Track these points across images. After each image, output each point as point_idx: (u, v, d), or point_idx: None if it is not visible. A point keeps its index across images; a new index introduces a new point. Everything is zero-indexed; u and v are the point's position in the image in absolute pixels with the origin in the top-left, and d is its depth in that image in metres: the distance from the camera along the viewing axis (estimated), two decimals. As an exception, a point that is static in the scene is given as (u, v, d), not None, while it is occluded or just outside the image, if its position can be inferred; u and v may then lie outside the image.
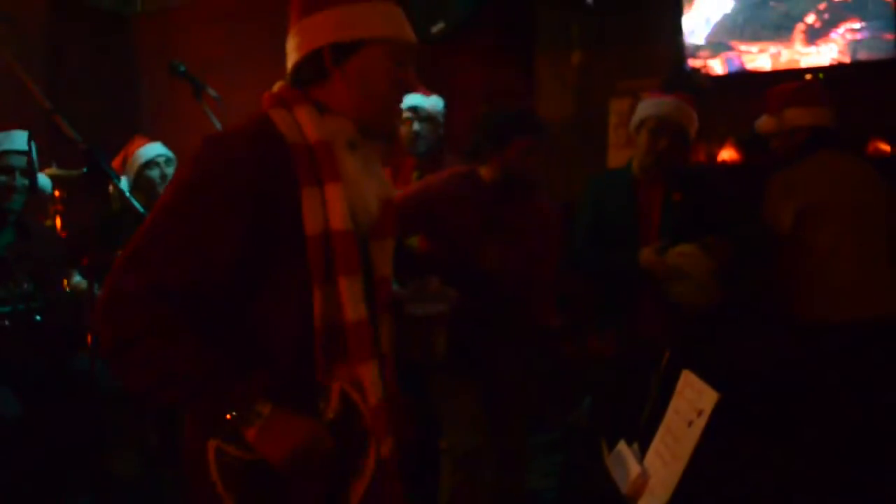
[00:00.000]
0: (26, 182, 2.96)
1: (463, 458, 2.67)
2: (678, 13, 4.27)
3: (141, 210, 2.30)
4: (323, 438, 1.41)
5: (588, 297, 3.21)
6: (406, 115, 3.47)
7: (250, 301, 1.45)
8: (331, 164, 1.47)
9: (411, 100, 3.43)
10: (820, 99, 3.10)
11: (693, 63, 4.27)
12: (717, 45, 4.24)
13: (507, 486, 2.81)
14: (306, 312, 1.44)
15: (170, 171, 3.49)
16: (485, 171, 2.76)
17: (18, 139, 2.90)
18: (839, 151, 3.06)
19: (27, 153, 2.83)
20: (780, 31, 4.11)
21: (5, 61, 2.09)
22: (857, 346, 2.78)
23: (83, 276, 3.25)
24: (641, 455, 1.62)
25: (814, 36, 4.05)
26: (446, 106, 3.67)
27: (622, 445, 1.72)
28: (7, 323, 2.68)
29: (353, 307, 1.46)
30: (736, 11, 4.20)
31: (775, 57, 4.13)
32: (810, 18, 4.06)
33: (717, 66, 4.25)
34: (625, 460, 1.65)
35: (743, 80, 4.18)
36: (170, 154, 3.54)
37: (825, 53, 4.02)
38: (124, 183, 3.43)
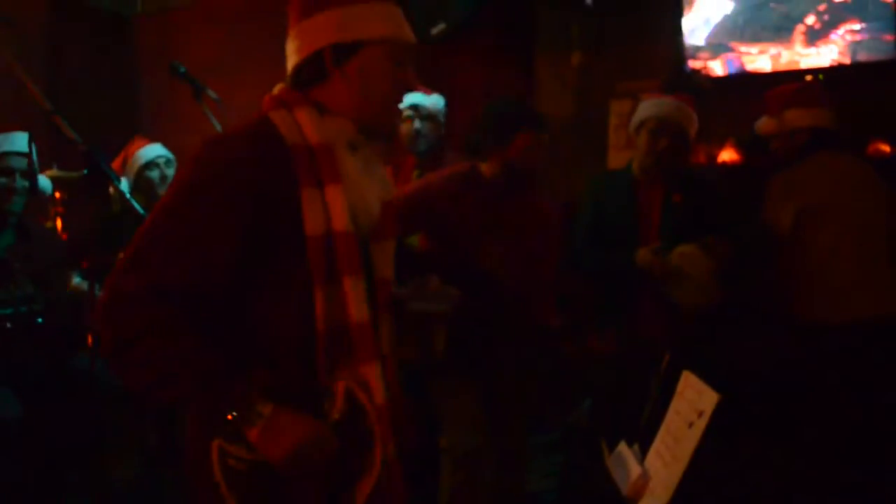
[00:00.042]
0: (27, 184, 2.96)
1: (463, 458, 2.67)
2: (678, 14, 4.27)
3: (141, 211, 2.30)
4: (325, 438, 1.41)
5: (588, 296, 3.21)
6: (407, 113, 3.47)
7: (250, 301, 1.45)
8: (331, 165, 1.47)
9: (412, 98, 3.43)
10: (820, 100, 3.10)
11: (693, 64, 4.27)
12: (717, 46, 4.25)
13: (507, 487, 2.81)
14: (307, 313, 1.44)
15: (170, 172, 3.49)
16: (486, 167, 2.76)
17: (19, 141, 2.90)
18: (839, 152, 3.06)
19: (27, 155, 2.83)
20: (780, 32, 4.12)
21: (5, 62, 2.08)
22: (857, 347, 2.78)
23: (83, 277, 3.25)
24: (642, 456, 1.62)
25: (814, 37, 4.05)
26: (447, 106, 3.67)
27: (623, 446, 1.72)
28: (8, 325, 2.68)
29: (356, 308, 1.47)
30: (736, 13, 4.21)
31: (775, 58, 4.13)
32: (810, 20, 4.06)
33: (717, 68, 4.25)
34: (625, 461, 1.65)
35: (743, 81, 4.19)
36: (170, 155, 3.55)
37: (825, 55, 4.02)
38: (124, 184, 3.44)
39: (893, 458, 2.67)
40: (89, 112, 4.47)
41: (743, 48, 4.20)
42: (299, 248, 1.44)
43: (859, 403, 2.74)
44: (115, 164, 3.51)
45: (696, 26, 4.26)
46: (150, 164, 3.47)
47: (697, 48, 4.27)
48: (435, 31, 4.59)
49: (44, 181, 3.64)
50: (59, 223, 3.67)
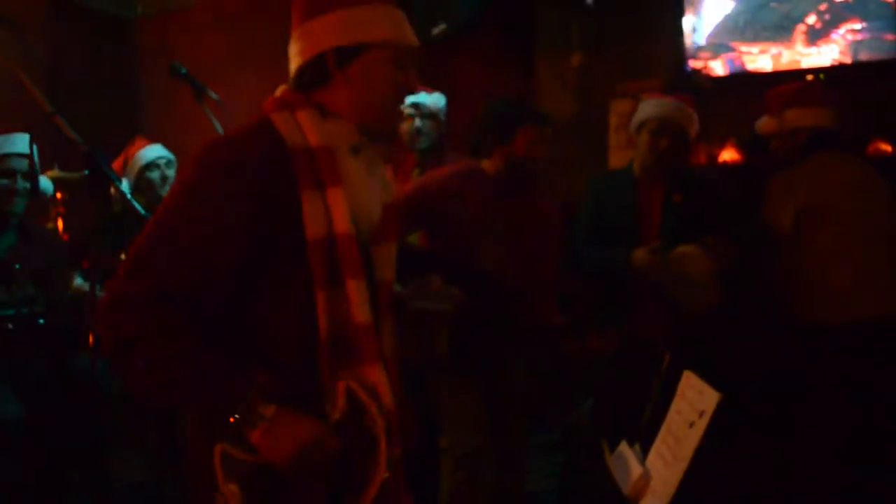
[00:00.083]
0: (28, 185, 2.96)
1: (463, 458, 2.67)
2: (679, 14, 4.27)
3: (142, 212, 2.30)
4: (327, 439, 1.41)
5: (589, 296, 3.21)
6: (408, 111, 3.47)
7: (252, 302, 1.45)
8: (332, 167, 1.48)
9: (413, 96, 3.43)
10: (821, 100, 3.10)
11: (694, 64, 4.27)
12: (717, 45, 4.25)
13: (507, 487, 2.81)
14: (308, 314, 1.44)
15: (170, 172, 3.49)
16: (488, 165, 2.76)
17: (20, 142, 2.90)
18: (840, 152, 3.06)
19: (28, 156, 2.83)
20: (780, 31, 4.12)
21: (7, 64, 2.09)
22: (858, 347, 2.78)
23: (85, 278, 3.25)
24: (643, 456, 1.62)
25: (815, 37, 4.05)
26: (447, 106, 3.67)
27: (624, 446, 1.72)
28: (10, 326, 2.68)
29: (360, 310, 1.47)
30: (737, 12, 4.21)
31: (776, 58, 4.13)
32: (811, 19, 4.06)
33: (717, 67, 4.26)
34: (626, 461, 1.65)
35: (744, 80, 4.19)
36: (170, 156, 3.54)
37: (826, 54, 4.03)
38: (125, 185, 3.44)
39: (893, 458, 2.67)
40: (90, 113, 4.48)
41: (744, 48, 4.20)
42: (300, 249, 1.44)
43: (859, 404, 2.74)
44: (116, 165, 3.51)
45: (696, 26, 4.26)
46: (151, 165, 3.47)
47: (698, 48, 4.27)
48: (436, 31, 4.59)
49: (45, 182, 3.64)
50: (60, 224, 3.67)
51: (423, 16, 4.49)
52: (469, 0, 4.64)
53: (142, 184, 3.46)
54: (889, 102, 3.81)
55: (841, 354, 2.79)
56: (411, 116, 3.48)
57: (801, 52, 4.07)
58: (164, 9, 5.71)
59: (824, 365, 2.80)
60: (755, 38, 4.18)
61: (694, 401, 1.50)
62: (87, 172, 2.01)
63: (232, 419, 1.36)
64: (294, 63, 1.57)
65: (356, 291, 1.46)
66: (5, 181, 2.91)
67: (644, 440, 1.65)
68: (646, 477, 1.55)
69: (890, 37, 3.88)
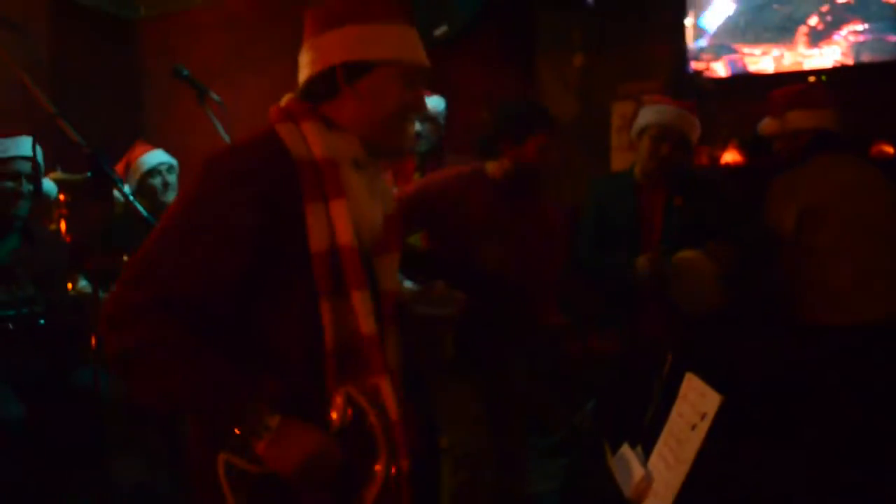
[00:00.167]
0: (31, 188, 2.97)
1: (464, 459, 2.67)
2: (680, 15, 4.27)
3: (145, 213, 2.30)
4: (332, 449, 1.41)
5: (590, 297, 3.21)
6: None
7: (255, 313, 1.46)
8: (336, 180, 1.48)
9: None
10: (823, 101, 3.10)
11: (695, 65, 4.27)
12: (719, 47, 4.25)
13: (509, 487, 2.81)
14: (312, 324, 1.45)
15: (172, 178, 3.49)
16: (494, 167, 2.75)
17: (25, 145, 2.90)
18: (842, 154, 3.06)
19: (31, 158, 2.83)
20: (782, 33, 4.12)
21: (9, 66, 2.09)
22: (859, 348, 2.78)
23: (88, 279, 3.25)
24: (645, 458, 1.62)
25: (816, 38, 4.05)
26: (449, 108, 3.68)
27: (625, 448, 1.72)
28: (10, 326, 2.69)
29: (365, 321, 1.47)
30: (738, 14, 4.21)
31: (778, 59, 4.13)
32: (813, 20, 4.06)
33: (719, 69, 4.25)
34: (628, 463, 1.65)
35: (745, 82, 4.18)
36: (172, 161, 3.54)
37: (828, 55, 4.02)
38: (127, 188, 3.44)
39: (893, 458, 2.67)
40: (92, 114, 4.49)
41: (745, 49, 4.20)
42: (304, 260, 1.45)
43: (860, 404, 2.73)
44: (118, 169, 3.52)
45: (698, 27, 4.26)
46: (153, 172, 3.47)
47: (700, 49, 4.27)
48: (437, 32, 4.60)
49: (49, 185, 3.65)
50: (62, 225, 3.68)
51: (425, 17, 4.50)
52: (470, 2, 4.65)
53: (143, 189, 3.47)
54: (891, 104, 3.80)
55: (842, 356, 2.78)
56: None
57: (802, 54, 4.07)
58: (166, 10, 5.73)
59: (825, 366, 2.80)
60: (757, 40, 4.17)
61: (696, 403, 1.50)
62: (89, 174, 2.01)
63: (237, 430, 1.36)
64: (303, 73, 1.57)
65: (361, 303, 1.47)
66: (11, 184, 2.91)
67: (646, 442, 1.65)
68: (648, 479, 1.55)
69: (892, 38, 3.88)
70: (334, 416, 1.45)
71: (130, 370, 1.37)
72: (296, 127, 1.51)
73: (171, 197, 3.46)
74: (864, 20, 3.95)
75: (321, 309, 1.45)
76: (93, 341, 2.78)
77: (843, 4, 3.99)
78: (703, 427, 1.43)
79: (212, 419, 1.40)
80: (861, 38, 3.96)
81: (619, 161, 4.32)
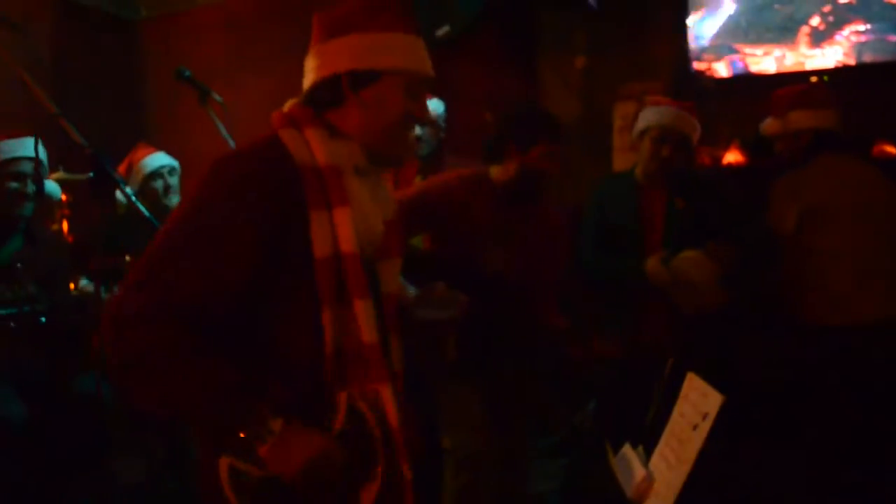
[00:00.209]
0: (34, 188, 2.97)
1: (466, 460, 2.67)
2: (682, 16, 4.27)
3: (147, 214, 2.30)
4: (334, 452, 1.41)
5: (592, 299, 3.21)
6: None
7: (260, 317, 1.46)
8: (339, 188, 1.49)
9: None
10: (825, 101, 3.10)
11: (697, 66, 4.27)
12: (721, 47, 4.24)
13: (510, 488, 2.81)
14: (315, 330, 1.45)
15: (173, 180, 3.49)
16: (498, 171, 2.75)
17: (30, 145, 2.91)
18: (844, 154, 3.06)
19: (34, 159, 2.84)
20: (784, 33, 4.11)
21: (11, 66, 2.09)
22: (859, 349, 2.78)
23: (90, 280, 3.26)
24: (646, 458, 1.62)
25: (818, 38, 4.04)
26: (450, 109, 3.68)
27: (627, 448, 1.72)
28: (12, 324, 2.69)
29: (367, 329, 1.48)
30: (740, 14, 4.21)
31: (780, 59, 4.13)
32: (815, 21, 4.06)
33: (721, 69, 4.25)
34: (629, 463, 1.66)
35: (747, 82, 4.18)
36: (174, 163, 3.54)
37: (830, 56, 4.02)
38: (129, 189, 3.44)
39: (893, 458, 2.67)
40: (94, 115, 4.50)
41: (747, 49, 4.20)
42: (307, 266, 1.45)
43: (860, 405, 2.73)
44: (120, 169, 3.52)
45: (699, 28, 4.26)
46: (155, 175, 3.47)
47: (701, 49, 4.26)
48: (439, 33, 4.60)
49: (53, 187, 3.65)
50: (65, 225, 3.68)
51: (427, 18, 4.50)
52: (472, 2, 4.65)
53: (145, 192, 3.47)
54: (893, 104, 3.80)
55: (843, 356, 2.78)
56: None
57: (804, 54, 4.07)
58: (167, 10, 5.73)
59: (826, 366, 2.80)
60: (759, 40, 4.17)
61: (697, 403, 1.50)
62: (91, 174, 2.01)
63: (242, 434, 1.36)
64: (308, 79, 1.58)
65: (363, 311, 1.48)
66: (15, 184, 2.92)
67: (647, 442, 1.65)
68: (649, 479, 1.55)
69: (894, 38, 3.87)
70: (336, 420, 1.46)
71: (133, 376, 1.37)
72: (299, 133, 1.51)
73: (172, 199, 3.47)
74: (866, 20, 3.95)
75: (322, 316, 1.45)
76: (95, 341, 2.79)
77: (844, 4, 3.98)
78: (705, 427, 1.43)
79: (215, 423, 1.40)
80: (863, 39, 3.96)
81: (620, 162, 4.31)
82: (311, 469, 1.37)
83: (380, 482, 1.47)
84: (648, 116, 3.02)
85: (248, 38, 5.34)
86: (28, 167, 2.92)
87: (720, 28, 4.24)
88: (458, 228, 2.69)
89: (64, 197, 3.69)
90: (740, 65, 4.21)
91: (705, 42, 4.27)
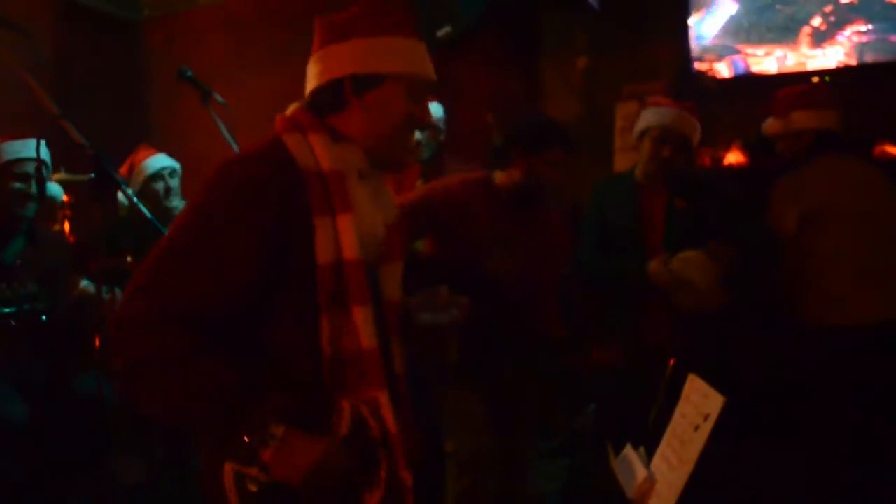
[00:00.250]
0: (37, 189, 2.97)
1: (468, 463, 2.67)
2: (683, 16, 4.27)
3: (148, 215, 2.30)
4: (337, 457, 1.41)
5: (592, 305, 3.21)
6: None
7: (262, 322, 1.46)
8: (343, 194, 1.49)
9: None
10: (826, 101, 3.10)
11: (699, 66, 4.27)
12: (722, 48, 4.25)
13: (512, 491, 2.81)
14: (316, 336, 1.46)
15: (174, 182, 3.49)
16: (502, 176, 2.75)
17: (33, 147, 2.91)
18: (845, 154, 3.05)
19: (36, 160, 2.84)
20: (785, 33, 4.12)
21: (13, 67, 2.10)
22: (859, 349, 2.78)
23: (91, 281, 3.26)
24: (648, 459, 1.62)
25: (820, 38, 4.05)
26: (451, 110, 3.68)
27: (628, 449, 1.72)
28: (12, 322, 2.69)
29: (365, 336, 1.48)
30: (741, 14, 4.21)
31: (781, 60, 4.13)
32: (816, 21, 4.06)
33: (722, 69, 4.25)
34: (631, 464, 1.66)
35: (748, 83, 4.18)
36: (175, 165, 3.54)
37: (831, 56, 4.02)
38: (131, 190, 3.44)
39: (893, 458, 2.67)
40: (96, 115, 4.50)
41: (749, 50, 4.20)
42: (309, 272, 1.45)
43: (860, 405, 2.73)
44: (122, 171, 3.52)
45: (701, 28, 4.26)
46: (156, 176, 3.47)
47: (703, 50, 4.26)
48: (440, 34, 4.60)
49: (55, 188, 3.65)
50: (66, 226, 3.68)
51: (429, 19, 4.50)
52: (474, 3, 4.65)
53: (146, 194, 3.47)
54: (894, 104, 3.80)
55: (843, 357, 2.78)
56: None
57: (806, 54, 4.07)
58: (169, 11, 5.73)
59: (826, 367, 2.80)
60: (760, 41, 4.17)
61: (699, 404, 1.50)
62: (93, 175, 2.02)
63: (246, 439, 1.36)
64: (311, 83, 1.58)
65: (362, 318, 1.48)
66: (20, 185, 2.92)
67: (649, 443, 1.65)
68: (650, 480, 1.55)
69: (895, 38, 3.87)
70: (339, 426, 1.46)
71: (138, 381, 1.38)
72: (303, 138, 1.52)
73: (173, 201, 3.46)
74: (868, 20, 3.95)
75: (321, 322, 1.45)
76: (96, 342, 2.79)
77: (846, 5, 3.98)
78: (706, 428, 1.43)
79: (219, 428, 1.40)
80: (864, 39, 3.96)
81: (622, 162, 4.31)
82: (313, 474, 1.37)
83: (384, 489, 1.47)
84: (649, 117, 3.02)
85: (250, 39, 5.35)
86: (32, 168, 2.92)
87: (721, 28, 4.25)
88: (460, 232, 2.69)
89: (66, 198, 3.69)
90: (742, 65, 4.21)
91: (707, 42, 4.27)
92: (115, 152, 2.49)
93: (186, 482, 3.13)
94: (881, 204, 2.98)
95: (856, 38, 3.98)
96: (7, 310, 2.63)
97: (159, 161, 3.51)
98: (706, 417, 1.44)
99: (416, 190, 3.08)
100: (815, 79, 3.98)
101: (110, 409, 2.86)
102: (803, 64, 4.07)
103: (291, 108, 1.60)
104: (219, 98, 2.81)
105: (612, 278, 3.03)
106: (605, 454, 1.76)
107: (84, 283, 3.25)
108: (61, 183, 3.71)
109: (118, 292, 2.85)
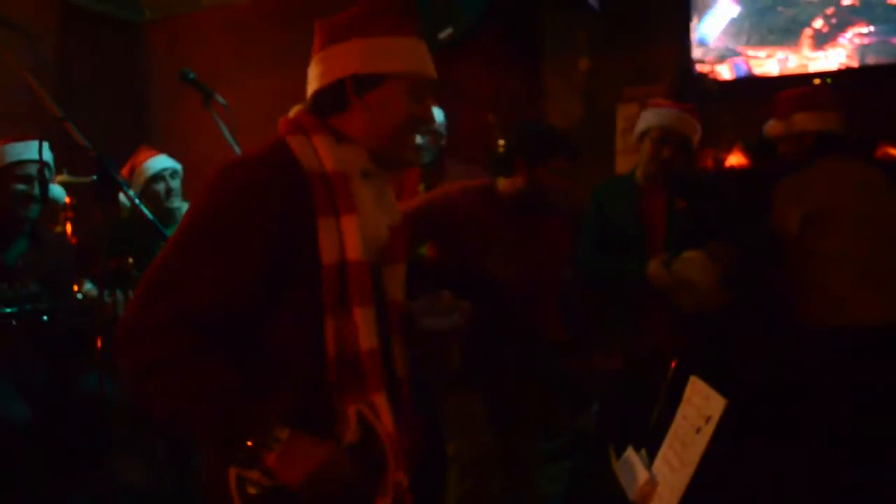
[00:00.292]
0: (40, 190, 2.98)
1: (470, 466, 2.67)
2: (685, 18, 4.27)
3: (150, 217, 2.31)
4: (340, 461, 1.41)
5: (593, 309, 3.21)
6: None
7: (266, 326, 1.46)
8: (347, 195, 1.49)
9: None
10: (828, 103, 3.09)
11: (700, 68, 4.27)
12: (724, 50, 4.24)
13: (514, 494, 2.81)
14: (319, 338, 1.46)
15: (175, 183, 3.49)
16: (505, 184, 2.74)
17: (36, 148, 2.92)
18: (847, 157, 3.05)
19: (38, 161, 2.85)
20: (787, 35, 4.11)
21: (16, 69, 2.10)
22: (860, 350, 2.77)
23: (93, 283, 3.26)
24: (649, 461, 1.62)
25: (821, 41, 4.04)
26: (453, 112, 3.68)
27: (630, 452, 1.72)
28: (14, 323, 2.69)
29: (366, 337, 1.48)
30: (743, 16, 4.21)
31: (783, 62, 4.12)
32: (818, 23, 4.05)
33: (724, 72, 4.25)
34: (633, 466, 1.65)
35: (750, 85, 4.18)
36: (176, 166, 3.55)
37: (833, 58, 4.02)
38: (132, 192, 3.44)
39: (893, 458, 2.67)
40: (98, 117, 4.50)
41: (750, 52, 4.20)
42: (313, 274, 1.45)
43: (861, 406, 2.73)
44: (123, 173, 3.53)
45: (703, 30, 4.26)
46: (157, 177, 3.47)
47: (705, 52, 4.26)
48: (442, 35, 4.61)
49: (58, 190, 3.66)
50: (69, 228, 3.69)
51: (430, 20, 4.50)
52: (475, 4, 4.66)
53: (147, 194, 3.47)
54: (897, 106, 3.80)
55: (844, 357, 2.78)
56: None
57: (807, 57, 4.07)
58: (171, 13, 5.74)
59: (827, 368, 2.80)
60: (762, 43, 4.17)
61: (700, 406, 1.50)
62: (95, 177, 2.02)
63: (250, 443, 1.36)
64: (312, 85, 1.59)
65: (363, 319, 1.48)
66: (23, 187, 2.93)
67: (650, 445, 1.65)
68: (652, 482, 1.55)
69: (897, 40, 3.88)
70: (345, 432, 1.46)
71: (146, 386, 1.38)
72: (307, 140, 1.52)
73: (175, 202, 3.47)
74: (869, 22, 3.95)
75: (326, 323, 1.45)
76: (98, 344, 2.80)
77: (847, 7, 3.98)
78: (708, 430, 1.43)
79: (223, 432, 1.40)
80: (866, 41, 3.96)
81: (624, 164, 4.31)
82: (315, 478, 1.37)
83: (392, 496, 1.47)
84: (649, 118, 3.03)
85: (252, 41, 5.35)
86: (34, 170, 2.93)
87: (723, 30, 4.25)
88: (462, 239, 2.69)
89: (68, 200, 3.70)
90: (743, 67, 4.21)
91: (708, 44, 4.27)
92: (116, 154, 2.50)
93: (187, 482, 3.13)
94: (883, 205, 2.98)
95: (857, 40, 3.98)
96: (9, 310, 2.64)
97: (160, 162, 3.51)
98: (708, 420, 1.44)
99: (416, 198, 3.07)
100: (817, 81, 3.98)
101: (111, 409, 2.86)
102: (805, 66, 4.07)
103: (294, 111, 1.60)
104: (221, 100, 2.82)
105: (612, 278, 3.03)
106: (607, 456, 1.76)
107: (87, 287, 3.26)
108: (64, 185, 3.71)
109: (120, 294, 2.85)
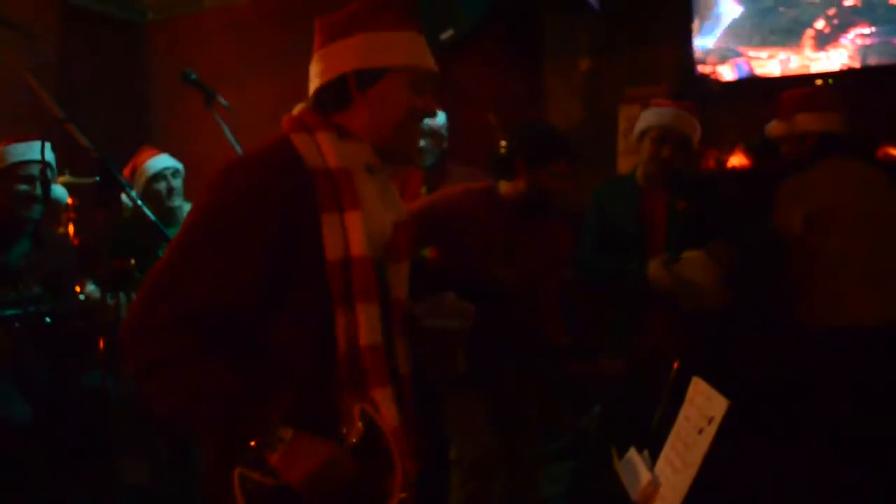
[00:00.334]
0: (42, 191, 2.98)
1: (472, 468, 2.67)
2: (687, 19, 4.27)
3: (153, 217, 2.31)
4: (344, 461, 1.42)
5: (595, 310, 3.21)
6: None
7: (269, 324, 1.46)
8: (351, 191, 1.49)
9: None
10: (830, 104, 3.10)
11: (702, 69, 4.27)
12: (726, 50, 4.24)
13: (517, 496, 2.80)
14: (323, 335, 1.46)
15: (176, 183, 3.49)
16: (507, 186, 2.74)
17: (38, 149, 2.92)
18: (849, 157, 3.05)
19: (40, 162, 2.85)
20: (789, 36, 4.11)
21: (18, 70, 2.10)
22: (861, 350, 2.77)
23: (96, 283, 3.26)
24: (652, 462, 1.62)
25: (823, 41, 4.04)
26: (454, 112, 3.68)
27: (632, 452, 1.72)
28: (16, 324, 2.70)
29: (369, 332, 1.48)
30: (745, 17, 4.20)
31: (784, 63, 4.12)
32: (819, 24, 4.05)
33: (726, 72, 4.25)
34: (635, 467, 1.65)
35: (752, 86, 4.18)
36: (178, 165, 3.55)
37: (835, 59, 4.02)
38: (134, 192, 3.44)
39: (893, 458, 2.67)
40: (100, 118, 4.51)
41: (752, 53, 4.20)
42: (317, 271, 1.45)
43: (862, 406, 2.73)
44: (125, 173, 3.53)
45: (704, 31, 4.26)
46: (158, 177, 3.47)
47: (706, 53, 4.26)
48: (443, 36, 4.61)
49: (60, 191, 3.66)
50: (71, 229, 3.69)
51: (431, 21, 4.50)
52: (476, 5, 4.66)
53: (149, 194, 3.47)
54: (898, 107, 3.80)
55: (845, 357, 2.78)
56: None
57: (809, 57, 4.07)
58: (173, 14, 5.74)
59: (828, 368, 2.80)
60: (763, 43, 4.17)
61: (703, 407, 1.50)
62: (97, 178, 2.02)
63: (253, 442, 1.36)
64: (314, 83, 1.59)
65: (365, 315, 1.48)
66: (25, 187, 2.93)
67: (653, 446, 1.64)
68: (654, 483, 1.55)
69: (899, 41, 3.87)
70: (347, 429, 1.46)
71: (150, 385, 1.39)
72: (310, 137, 1.52)
73: (176, 202, 3.47)
74: (871, 23, 3.94)
75: (336, 318, 1.46)
76: (101, 344, 2.80)
77: (849, 7, 3.98)
78: (710, 431, 1.42)
79: (227, 432, 1.40)
80: (868, 42, 3.96)
81: (625, 165, 4.31)
82: (318, 477, 1.37)
83: (398, 495, 1.46)
84: (648, 117, 3.03)
85: (254, 42, 5.35)
86: (36, 170, 2.93)
87: (725, 31, 4.24)
88: (465, 242, 2.69)
89: (70, 201, 3.70)
90: (745, 68, 4.21)
91: (710, 45, 4.26)
92: (118, 155, 2.50)
93: (189, 482, 3.13)
94: (884, 206, 2.98)
95: (859, 41, 3.97)
96: (11, 311, 2.64)
97: (161, 161, 3.51)
98: (710, 420, 1.44)
99: (418, 200, 3.07)
100: (819, 81, 3.98)
101: (113, 409, 2.86)
102: (807, 66, 4.07)
103: (297, 109, 1.60)
104: (222, 101, 2.82)
105: (613, 278, 3.03)
106: (609, 457, 1.76)
107: (90, 288, 3.26)
108: (66, 186, 3.71)
109: (122, 296, 2.86)
